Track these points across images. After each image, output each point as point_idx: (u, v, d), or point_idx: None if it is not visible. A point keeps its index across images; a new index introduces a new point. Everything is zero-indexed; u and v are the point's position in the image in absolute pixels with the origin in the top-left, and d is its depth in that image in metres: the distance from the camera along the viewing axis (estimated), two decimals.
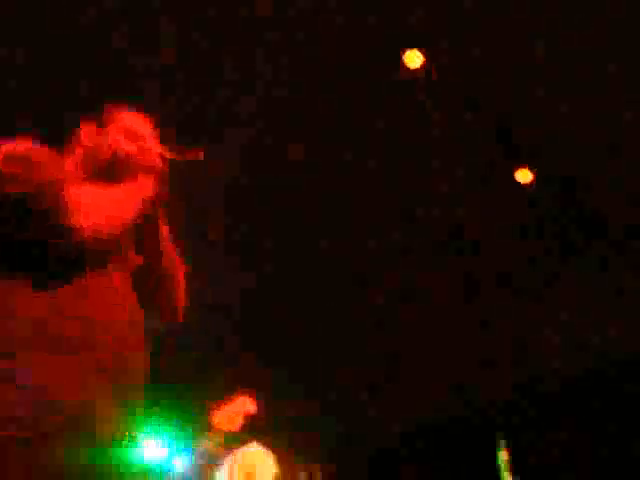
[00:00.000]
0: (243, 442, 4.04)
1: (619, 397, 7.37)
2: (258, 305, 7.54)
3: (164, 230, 2.55)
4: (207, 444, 3.91)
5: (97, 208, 2.18)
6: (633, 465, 6.89)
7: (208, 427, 3.73)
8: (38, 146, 2.25)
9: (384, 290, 7.99)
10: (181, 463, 5.59)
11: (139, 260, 2.49)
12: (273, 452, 4.02)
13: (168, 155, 2.47)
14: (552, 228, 7.65)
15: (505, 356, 8.25)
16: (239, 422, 3.81)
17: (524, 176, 6.96)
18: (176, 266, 2.59)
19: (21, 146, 2.18)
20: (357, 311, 8.04)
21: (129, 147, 2.47)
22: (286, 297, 7.64)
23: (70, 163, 2.44)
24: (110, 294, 2.26)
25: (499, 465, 4.15)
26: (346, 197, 6.93)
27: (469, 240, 7.60)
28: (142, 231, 2.48)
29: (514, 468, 4.11)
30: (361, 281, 7.79)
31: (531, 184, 7.05)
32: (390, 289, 7.94)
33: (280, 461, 4.89)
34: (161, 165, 2.43)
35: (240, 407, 3.83)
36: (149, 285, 2.48)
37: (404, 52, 5.93)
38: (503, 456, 4.17)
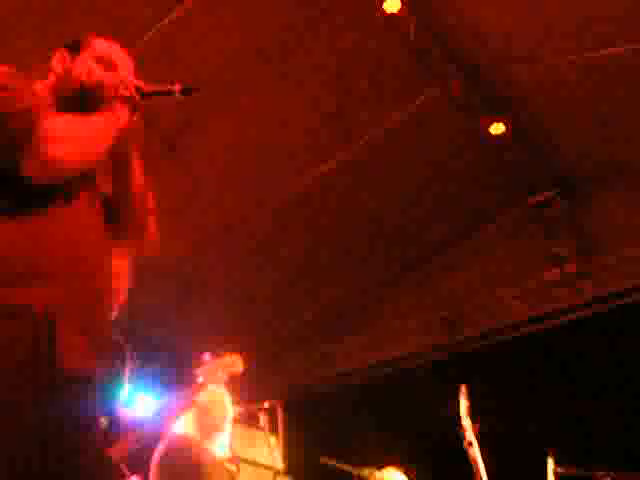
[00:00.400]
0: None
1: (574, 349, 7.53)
2: None
3: (136, 162, 2.49)
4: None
5: (71, 138, 2.14)
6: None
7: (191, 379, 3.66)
8: (9, 70, 2.19)
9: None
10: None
11: (109, 191, 2.45)
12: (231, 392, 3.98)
13: (143, 87, 2.40)
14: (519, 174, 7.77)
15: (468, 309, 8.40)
16: (223, 378, 3.74)
17: (497, 129, 7.13)
18: (146, 200, 2.54)
19: None
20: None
21: (102, 75, 2.40)
22: None
23: (42, 89, 2.37)
24: (81, 224, 2.22)
25: (460, 412, 4.17)
26: None
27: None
28: (114, 162, 2.43)
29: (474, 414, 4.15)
30: None
31: (503, 135, 7.19)
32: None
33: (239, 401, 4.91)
34: (137, 96, 2.36)
35: (227, 364, 3.74)
36: (119, 217, 2.44)
37: None
38: (464, 404, 4.18)
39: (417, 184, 7.67)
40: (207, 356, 3.70)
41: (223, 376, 3.70)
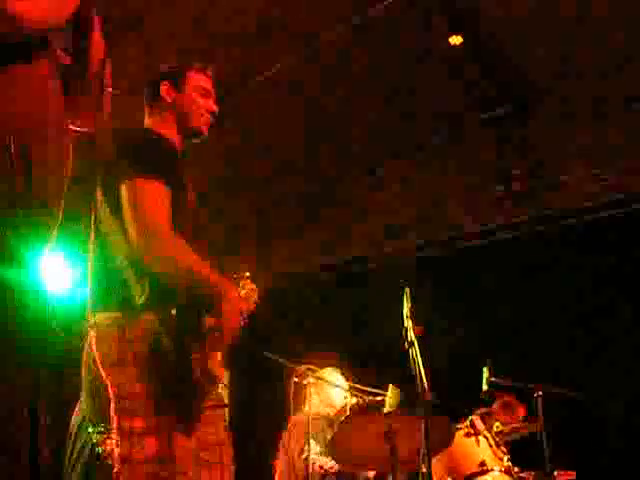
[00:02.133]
0: None
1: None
2: None
3: (97, 34, 2.40)
4: None
5: None
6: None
7: None
8: None
9: None
10: None
11: (67, 60, 2.37)
12: None
13: None
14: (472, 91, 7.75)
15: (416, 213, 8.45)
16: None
17: (455, 40, 7.06)
18: (105, 75, 2.47)
19: None
20: None
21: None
22: None
23: None
24: (37, 86, 2.15)
25: (403, 314, 4.23)
26: None
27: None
28: (75, 34, 2.35)
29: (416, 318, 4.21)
30: None
31: (459, 48, 7.12)
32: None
33: None
34: None
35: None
36: (74, 90, 2.36)
37: None
38: (407, 306, 4.24)
39: (370, 94, 7.58)
40: None
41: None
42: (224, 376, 3.04)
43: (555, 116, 7.90)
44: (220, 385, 3.10)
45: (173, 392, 2.83)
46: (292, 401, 5.28)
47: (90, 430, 4.29)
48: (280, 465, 5.69)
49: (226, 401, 3.20)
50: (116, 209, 2.96)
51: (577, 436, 6.55)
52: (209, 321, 2.94)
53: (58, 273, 6.76)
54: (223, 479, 3.02)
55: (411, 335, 4.17)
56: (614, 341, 7.06)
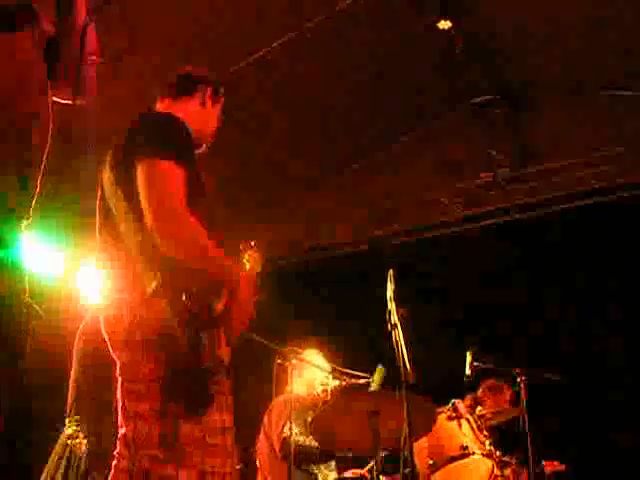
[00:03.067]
0: None
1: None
2: None
3: (81, 3, 2.38)
4: None
5: None
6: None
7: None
8: None
9: None
10: None
11: (52, 31, 2.35)
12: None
13: None
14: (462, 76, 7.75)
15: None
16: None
17: (444, 25, 7.05)
18: (89, 43, 2.45)
19: None
20: None
21: None
22: None
23: None
24: (20, 55, 2.12)
25: (386, 296, 4.22)
26: None
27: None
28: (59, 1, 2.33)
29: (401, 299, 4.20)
30: None
31: (449, 33, 7.10)
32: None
33: None
34: None
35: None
36: (58, 58, 2.34)
37: None
38: (390, 288, 4.22)
39: (358, 75, 7.56)
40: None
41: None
42: (228, 354, 3.03)
43: (542, 102, 7.92)
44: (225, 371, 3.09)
45: (181, 377, 2.81)
46: (275, 383, 5.27)
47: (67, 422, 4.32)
48: (261, 447, 5.69)
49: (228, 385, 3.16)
50: (130, 193, 2.89)
51: (561, 420, 6.59)
52: (219, 306, 2.93)
53: (40, 253, 6.71)
54: (226, 465, 2.98)
55: (394, 317, 4.16)
56: (600, 326, 7.11)
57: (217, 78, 3.44)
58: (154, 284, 2.81)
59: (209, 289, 2.90)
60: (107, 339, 2.96)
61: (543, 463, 5.69)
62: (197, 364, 2.81)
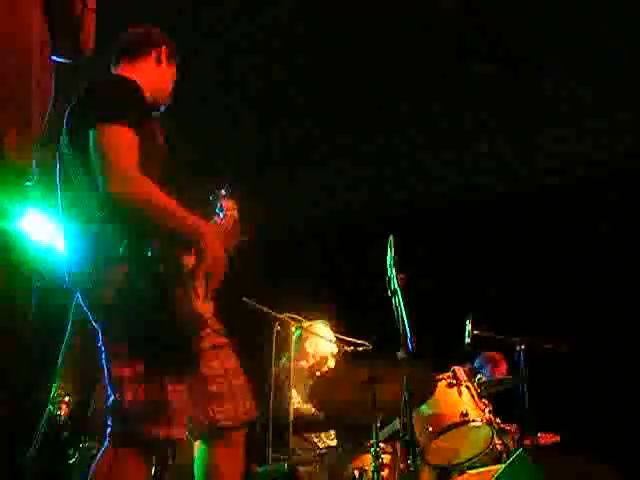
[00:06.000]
0: None
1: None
2: None
3: None
4: None
5: None
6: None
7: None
8: None
9: None
10: None
11: None
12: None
13: None
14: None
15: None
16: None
17: None
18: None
19: None
20: None
21: None
22: None
23: None
24: (20, 16, 2.09)
25: (387, 262, 4.22)
26: None
27: None
28: None
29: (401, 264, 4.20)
30: None
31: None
32: None
33: None
34: None
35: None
36: (57, 10, 2.31)
37: None
38: (391, 254, 4.22)
39: (359, 47, 7.50)
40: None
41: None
42: (210, 309, 3.07)
43: (541, 73, 7.87)
44: (214, 325, 3.11)
45: (158, 336, 2.82)
46: (275, 350, 5.26)
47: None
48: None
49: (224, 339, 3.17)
50: (86, 159, 2.90)
51: (559, 390, 6.60)
52: (190, 261, 2.91)
53: (40, 225, 6.70)
54: (237, 410, 3.05)
55: (395, 284, 4.16)
56: (596, 296, 7.11)
57: (169, 40, 3.45)
58: (122, 249, 2.82)
59: (175, 246, 2.92)
60: (84, 306, 2.97)
61: (539, 435, 5.69)
62: (172, 322, 2.83)
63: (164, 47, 3.38)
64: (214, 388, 3.04)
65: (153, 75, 3.32)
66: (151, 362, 2.82)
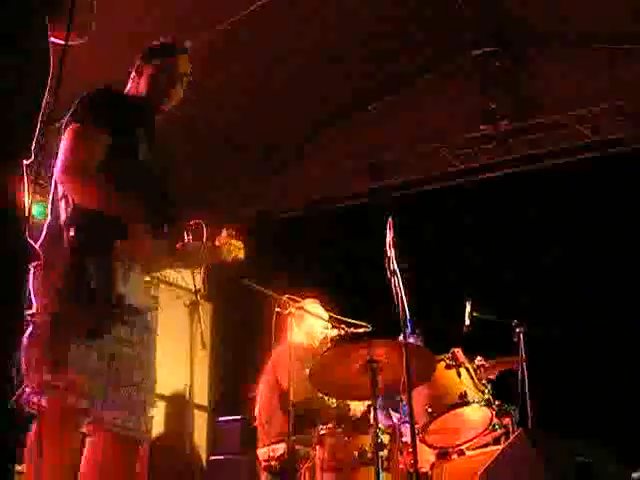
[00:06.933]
0: None
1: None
2: None
3: None
4: None
5: None
6: None
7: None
8: None
9: None
10: None
11: None
12: None
13: None
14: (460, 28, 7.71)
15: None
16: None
17: None
18: None
19: None
20: None
21: None
22: None
23: None
24: None
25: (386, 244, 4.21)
26: None
27: None
28: None
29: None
30: None
31: None
32: None
33: None
34: None
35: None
36: None
37: None
38: (390, 236, 4.22)
39: (361, 26, 7.48)
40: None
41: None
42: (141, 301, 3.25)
43: (543, 55, 7.86)
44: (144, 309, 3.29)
45: (70, 312, 3.00)
46: (274, 331, 5.26)
47: None
48: (264, 396, 5.71)
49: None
50: None
51: (559, 374, 6.62)
52: (123, 246, 3.14)
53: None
54: (139, 395, 3.22)
55: (394, 265, 4.16)
56: (600, 278, 7.11)
57: (170, 47, 3.66)
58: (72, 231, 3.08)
59: (108, 227, 3.15)
60: None
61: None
62: (85, 299, 3.00)
63: (157, 58, 3.63)
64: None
65: (151, 81, 3.59)
66: (58, 338, 3.00)
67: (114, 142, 3.29)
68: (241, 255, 3.75)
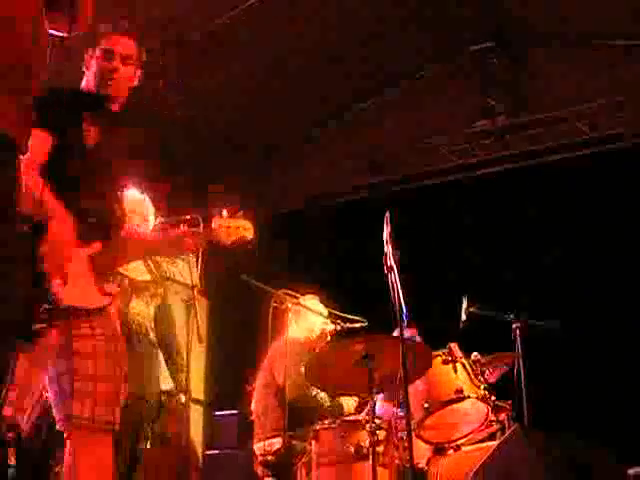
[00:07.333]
0: None
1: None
2: None
3: None
4: None
5: None
6: None
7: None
8: None
9: None
10: None
11: None
12: None
13: None
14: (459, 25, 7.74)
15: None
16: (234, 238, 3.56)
17: None
18: None
19: None
20: None
21: None
22: None
23: None
24: None
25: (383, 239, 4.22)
26: None
27: None
28: None
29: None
30: None
31: None
32: None
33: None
34: None
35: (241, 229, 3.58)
36: None
37: None
38: (387, 230, 4.22)
39: (358, 23, 7.50)
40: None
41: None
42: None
43: (543, 55, 7.88)
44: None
45: None
46: (271, 326, 5.27)
47: None
48: (260, 391, 5.72)
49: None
50: None
51: (556, 371, 6.62)
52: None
53: None
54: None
55: (390, 260, 4.16)
56: (599, 274, 7.11)
57: (105, 34, 3.54)
58: None
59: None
60: None
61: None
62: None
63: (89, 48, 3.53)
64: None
65: (96, 73, 3.48)
66: None
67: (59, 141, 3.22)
68: (249, 235, 3.58)
